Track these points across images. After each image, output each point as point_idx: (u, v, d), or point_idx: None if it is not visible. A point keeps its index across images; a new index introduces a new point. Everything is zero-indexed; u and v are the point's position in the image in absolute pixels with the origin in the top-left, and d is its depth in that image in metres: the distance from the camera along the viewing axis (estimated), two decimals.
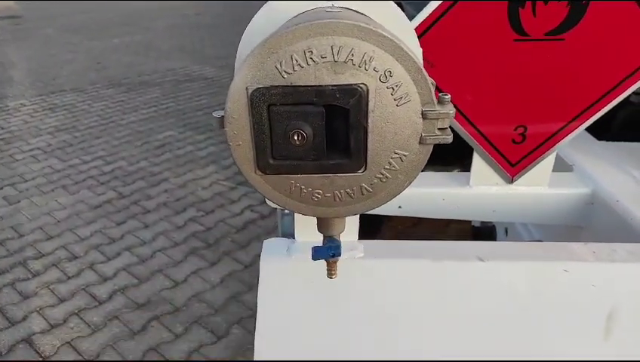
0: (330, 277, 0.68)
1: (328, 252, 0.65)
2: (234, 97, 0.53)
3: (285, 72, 0.52)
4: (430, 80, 0.55)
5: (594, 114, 1.06)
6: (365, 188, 0.58)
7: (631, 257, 0.85)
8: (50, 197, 3.55)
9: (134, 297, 2.58)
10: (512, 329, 0.83)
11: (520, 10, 0.97)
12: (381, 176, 0.57)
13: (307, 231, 0.86)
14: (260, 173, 0.57)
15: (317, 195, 0.58)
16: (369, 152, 0.56)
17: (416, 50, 0.68)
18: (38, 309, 2.49)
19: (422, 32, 0.96)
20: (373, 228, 2.10)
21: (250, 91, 0.53)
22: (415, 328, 0.85)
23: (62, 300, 2.55)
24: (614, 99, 1.05)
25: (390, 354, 0.85)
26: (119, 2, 10.95)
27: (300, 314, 0.80)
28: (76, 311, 2.48)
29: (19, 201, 3.49)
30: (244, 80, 0.53)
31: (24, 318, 2.44)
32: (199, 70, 6.62)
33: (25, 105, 5.36)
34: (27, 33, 8.69)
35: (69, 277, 2.72)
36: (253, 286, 2.65)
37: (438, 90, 1.05)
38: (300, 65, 0.52)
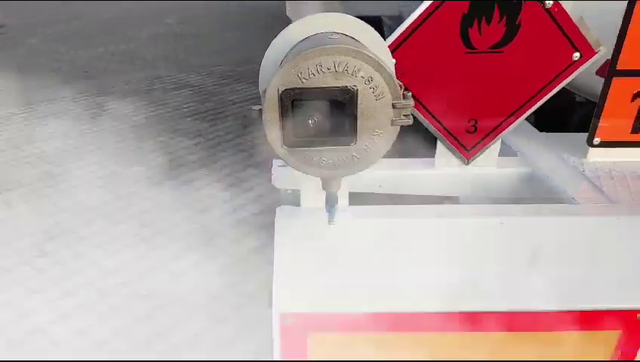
0: (330, 224, 0.95)
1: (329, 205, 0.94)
2: (270, 95, 0.80)
3: (304, 78, 0.80)
4: (398, 82, 0.83)
5: (529, 108, 1.36)
6: (356, 156, 0.86)
7: (552, 213, 1.15)
8: (46, 201, 3.73)
9: (137, 289, 2.81)
10: (462, 267, 1.11)
11: (469, 30, 1.27)
12: (366, 147, 0.85)
13: (310, 199, 1.13)
14: (286, 147, 0.84)
15: (324, 161, 0.86)
16: (358, 131, 0.84)
17: (388, 62, 0.97)
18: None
19: (395, 47, 1.24)
20: None
21: (280, 91, 0.80)
22: (394, 268, 1.12)
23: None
24: (544, 96, 1.35)
25: (375, 286, 1.12)
26: (99, 10, 10.99)
27: (308, 259, 1.06)
28: None
29: (14, 206, 3.67)
30: (276, 84, 0.80)
31: None
32: (185, 78, 6.83)
33: (15, 114, 5.49)
34: (11, 42, 8.74)
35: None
36: (248, 276, 2.91)
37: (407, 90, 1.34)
38: (313, 74, 0.79)
